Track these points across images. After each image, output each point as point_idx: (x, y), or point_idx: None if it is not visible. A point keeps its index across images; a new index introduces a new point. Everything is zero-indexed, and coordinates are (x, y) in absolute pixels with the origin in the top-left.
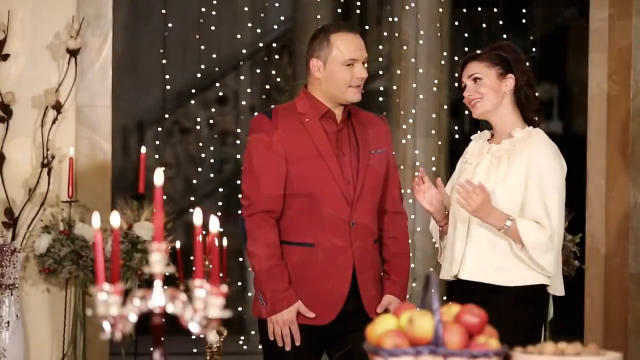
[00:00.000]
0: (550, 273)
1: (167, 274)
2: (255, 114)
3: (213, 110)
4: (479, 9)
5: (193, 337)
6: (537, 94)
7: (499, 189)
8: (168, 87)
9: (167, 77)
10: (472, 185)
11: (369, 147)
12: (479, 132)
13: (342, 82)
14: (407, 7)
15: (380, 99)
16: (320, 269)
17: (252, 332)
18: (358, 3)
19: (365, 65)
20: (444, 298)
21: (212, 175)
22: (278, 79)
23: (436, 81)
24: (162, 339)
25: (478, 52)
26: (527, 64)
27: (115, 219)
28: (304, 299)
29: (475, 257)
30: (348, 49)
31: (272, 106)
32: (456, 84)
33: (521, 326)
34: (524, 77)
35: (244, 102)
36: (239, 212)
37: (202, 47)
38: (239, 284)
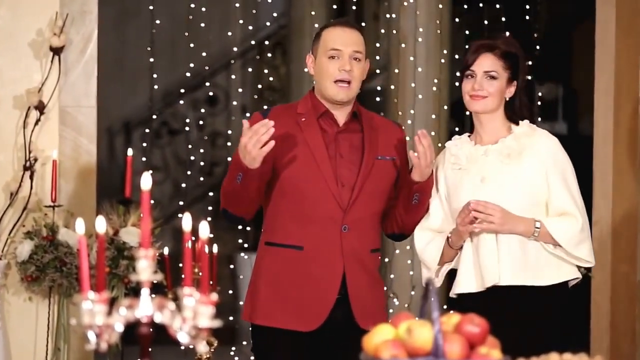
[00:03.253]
0: (590, 263)
1: (155, 281)
2: (247, 114)
3: (203, 110)
4: (480, 5)
5: (182, 347)
6: (527, 98)
7: (518, 187)
8: (156, 87)
9: (154, 76)
10: (482, 203)
11: (376, 153)
12: (456, 135)
13: (326, 75)
14: (405, 4)
15: (378, 99)
16: (308, 273)
17: (244, 343)
18: None
19: (358, 60)
20: (444, 306)
21: (201, 178)
22: (271, 78)
23: (436, 80)
24: (150, 349)
25: (493, 42)
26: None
27: (101, 225)
28: (289, 303)
29: (511, 261)
30: (332, 40)
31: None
32: (455, 72)
33: (559, 323)
34: (523, 84)
35: (235, 103)
36: None
37: (192, 45)
38: (230, 292)
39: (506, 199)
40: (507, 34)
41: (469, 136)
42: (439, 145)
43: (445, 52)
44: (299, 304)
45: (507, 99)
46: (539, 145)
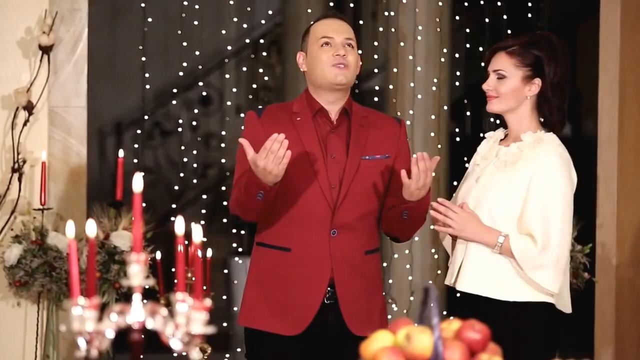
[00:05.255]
0: (547, 291)
1: (147, 286)
2: (242, 115)
3: (196, 111)
4: (482, 2)
5: (174, 354)
6: (564, 97)
7: (500, 197)
8: (148, 87)
9: (146, 75)
10: (446, 204)
11: (362, 152)
12: (493, 131)
13: (320, 63)
14: (404, 1)
15: (376, 99)
16: (295, 275)
17: (238, 350)
18: None
19: (351, 46)
20: (444, 312)
21: (195, 180)
22: (266, 78)
23: (435, 80)
24: (141, 356)
25: (511, 41)
26: (566, 57)
27: (91, 228)
28: (273, 305)
29: (474, 268)
30: (323, 30)
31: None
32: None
33: (521, 345)
34: (554, 80)
35: (229, 103)
36: (224, 220)
37: (185, 44)
38: (224, 297)
39: (490, 205)
40: (509, 32)
41: (505, 133)
42: (439, 146)
43: (445, 51)
44: (283, 306)
45: (534, 98)
46: (536, 159)
